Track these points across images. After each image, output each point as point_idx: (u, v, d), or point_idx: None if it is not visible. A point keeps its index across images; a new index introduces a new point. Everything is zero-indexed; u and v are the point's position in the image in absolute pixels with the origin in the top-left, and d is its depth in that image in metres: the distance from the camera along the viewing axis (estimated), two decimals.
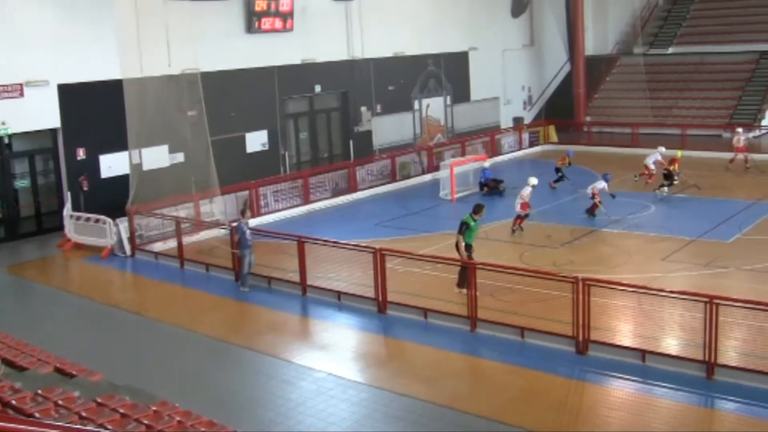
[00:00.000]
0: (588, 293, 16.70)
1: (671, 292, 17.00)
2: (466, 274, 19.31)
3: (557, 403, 14.86)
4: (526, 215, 26.81)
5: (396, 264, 21.07)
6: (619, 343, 17.11)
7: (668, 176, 31.78)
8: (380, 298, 19.77)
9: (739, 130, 37.96)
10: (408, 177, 36.65)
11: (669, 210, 29.75)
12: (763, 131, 45.24)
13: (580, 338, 16.82)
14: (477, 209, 21.28)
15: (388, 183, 35.62)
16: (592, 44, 53.19)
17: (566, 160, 34.06)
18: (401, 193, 34.64)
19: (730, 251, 24.17)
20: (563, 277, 17.99)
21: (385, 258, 19.86)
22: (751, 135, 38.40)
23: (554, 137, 46.00)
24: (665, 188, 31.40)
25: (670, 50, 53.16)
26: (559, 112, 49.20)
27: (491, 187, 33.26)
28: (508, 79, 48.07)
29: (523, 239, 26.02)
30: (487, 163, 34.77)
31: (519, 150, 44.23)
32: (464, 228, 20.79)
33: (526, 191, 26.91)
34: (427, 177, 36.72)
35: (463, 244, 20.70)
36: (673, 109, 48.06)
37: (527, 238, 26.04)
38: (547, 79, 52.41)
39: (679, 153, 33.63)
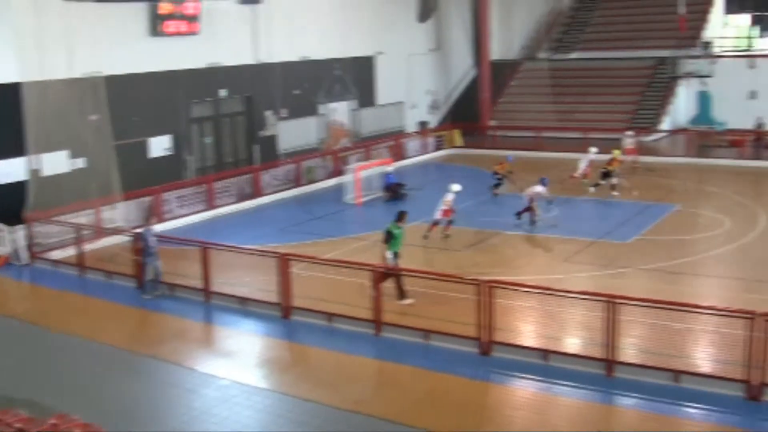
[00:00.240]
0: (491, 295, 16.87)
1: (573, 292, 17.29)
2: (394, 281, 19.56)
3: (461, 405, 14.98)
4: (450, 221, 26.54)
5: (301, 269, 20.95)
6: (522, 343, 17.33)
7: (606, 175, 32.60)
8: (285, 304, 19.65)
9: (629, 133, 38.95)
10: (313, 181, 36.55)
11: (571, 212, 30.24)
12: (662, 135, 46.42)
13: (484, 339, 16.97)
14: (400, 216, 21.04)
15: (293, 187, 35.46)
16: (497, 49, 53.80)
17: (505, 165, 33.91)
18: (306, 198, 34.53)
19: (630, 252, 24.73)
20: (467, 279, 18.14)
21: (290, 263, 19.76)
22: (636, 138, 39.21)
23: (459, 141, 46.40)
24: (592, 188, 32.08)
25: (574, 55, 54.18)
26: (465, 116, 49.66)
27: (394, 191, 33.29)
28: (413, 83, 48.32)
29: (427, 243, 26.14)
30: (390, 168, 34.78)
31: (424, 154, 44.49)
32: (389, 237, 20.54)
33: (449, 197, 26.58)
34: (332, 181, 36.66)
35: (389, 253, 20.40)
36: (575, 113, 48.91)
37: (431, 241, 26.18)
38: (452, 84, 52.90)
39: (617, 152, 34.40)
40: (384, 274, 19.39)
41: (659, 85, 50.05)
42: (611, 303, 15.71)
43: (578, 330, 17.57)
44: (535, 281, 20.14)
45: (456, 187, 26.94)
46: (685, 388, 15.16)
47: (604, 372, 15.82)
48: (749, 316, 14.65)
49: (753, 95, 48.34)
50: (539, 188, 27.98)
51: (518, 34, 57.26)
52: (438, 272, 20.63)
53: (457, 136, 46.59)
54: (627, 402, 15.22)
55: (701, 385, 15.13)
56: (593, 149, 34.69)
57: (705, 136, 44.10)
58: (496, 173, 33.66)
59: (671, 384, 15.29)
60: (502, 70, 53.39)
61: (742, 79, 48.61)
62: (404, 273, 19.68)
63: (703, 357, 16.40)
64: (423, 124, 49.00)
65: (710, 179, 36.10)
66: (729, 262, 23.97)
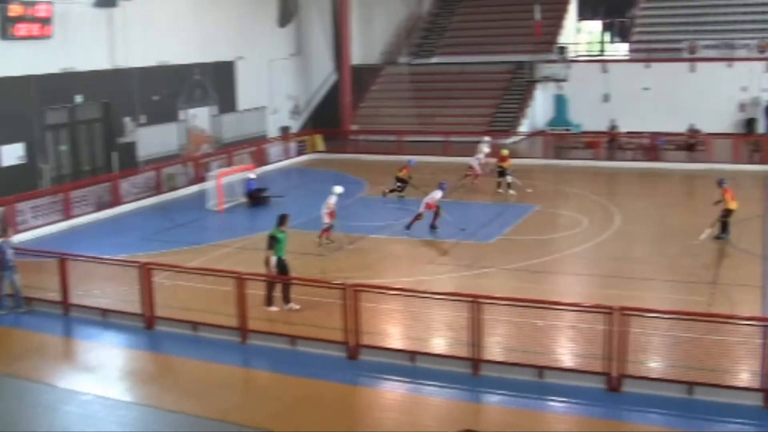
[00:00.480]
0: (357, 299, 16.86)
1: (437, 293, 17.46)
2: (274, 290, 19.40)
3: (330, 409, 14.91)
4: (331, 225, 26.15)
5: (164, 278, 20.49)
6: (389, 346, 17.38)
7: (501, 174, 33.64)
8: (148, 314, 19.16)
9: (486, 138, 39.70)
10: (174, 188, 35.84)
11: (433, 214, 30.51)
12: (521, 137, 47.50)
13: (351, 343, 16.94)
14: (282, 220, 20.43)
15: (154, 195, 34.67)
16: (358, 54, 54.07)
17: (408, 169, 33.74)
18: (168, 205, 33.80)
19: (492, 252, 25.17)
20: (333, 284, 18.09)
21: (152, 272, 19.29)
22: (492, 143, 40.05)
23: (321, 146, 46.34)
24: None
25: (434, 60, 54.99)
26: (326, 120, 49.71)
27: (255, 197, 32.92)
28: (275, 88, 48.05)
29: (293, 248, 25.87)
30: (252, 174, 34.37)
31: (286, 159, 44.22)
32: (273, 242, 19.98)
33: (332, 200, 26.03)
34: (194, 188, 36.04)
35: (274, 258, 19.90)
36: (436, 117, 49.63)
37: (298, 246, 25.96)
38: (314, 89, 52.89)
39: (505, 151, 35.18)
40: (268, 284, 19.34)
41: (517, 88, 51.33)
42: (475, 303, 15.92)
43: (444, 330, 17.73)
44: (400, 284, 20.29)
45: (338, 189, 26.61)
46: (549, 383, 15.51)
47: (470, 371, 16.01)
48: (608, 311, 15.09)
49: (606, 98, 50.17)
50: (439, 194, 27.74)
51: (379, 38, 57.75)
52: (304, 277, 20.51)
53: (319, 141, 46.50)
54: (493, 399, 15.45)
55: (564, 380, 15.50)
56: (484, 146, 35.53)
57: (562, 138, 45.40)
58: (398, 179, 33.46)
59: (536, 380, 15.62)
60: (363, 75, 53.69)
61: (595, 83, 50.48)
62: (273, 279, 19.48)
63: (565, 352, 16.79)
64: (285, 129, 48.79)
65: (568, 180, 37.12)
66: (587, 259, 24.68)
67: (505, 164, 33.83)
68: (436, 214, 27.50)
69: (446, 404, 15.31)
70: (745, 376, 15.34)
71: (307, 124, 51.09)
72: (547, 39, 52.40)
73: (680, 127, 42.25)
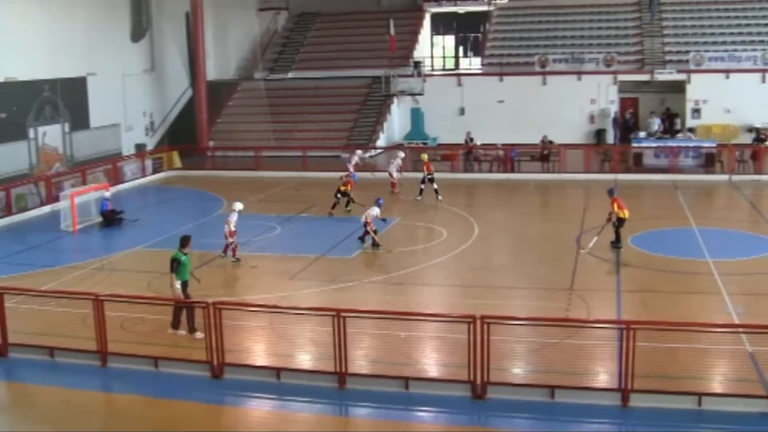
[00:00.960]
0: (219, 317, 16.58)
1: (300, 309, 17.35)
2: (182, 314, 18.71)
3: (196, 431, 14.59)
4: (235, 243, 25.38)
5: (17, 303, 19.68)
6: (254, 363, 17.17)
7: (431, 180, 34.33)
8: (0, 341, 18.36)
9: (358, 152, 39.95)
10: (25, 209, 34.53)
11: (294, 230, 30.45)
12: (379, 151, 47.86)
13: (215, 362, 16.65)
14: (184, 242, 19.67)
15: (4, 216, 33.31)
16: (213, 69, 53.54)
17: (351, 184, 33.13)
18: (19, 227, 32.54)
19: (354, 266, 25.20)
20: (194, 302, 17.76)
21: (3, 297, 18.47)
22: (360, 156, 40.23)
23: (178, 163, 45.50)
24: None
25: (290, 75, 54.91)
26: (183, 137, 48.79)
27: (109, 218, 31.93)
28: (129, 104, 46.89)
29: (152, 267, 25.32)
30: (107, 193, 33.36)
31: (142, 177, 43.23)
32: (176, 264, 19.19)
33: (233, 218, 25.34)
34: (47, 208, 34.82)
35: (178, 282, 19.18)
36: (294, 132, 49.54)
37: (156, 265, 25.37)
38: (169, 105, 51.88)
39: (425, 156, 35.91)
40: (176, 307, 18.75)
41: (374, 103, 51.74)
42: (338, 316, 15.86)
43: (309, 345, 17.64)
44: (262, 300, 20.09)
45: (238, 205, 25.97)
46: (416, 393, 15.59)
47: (336, 385, 15.95)
48: (469, 320, 15.29)
49: (462, 111, 51.15)
50: (375, 210, 27.41)
51: (234, 54, 57.42)
52: (164, 297, 20.06)
53: (175, 158, 45.64)
54: (360, 412, 15.48)
55: (430, 389, 15.62)
56: (359, 152, 35.77)
57: (418, 152, 45.92)
58: (343, 193, 32.75)
59: (402, 391, 15.68)
60: (219, 91, 53.15)
61: (451, 97, 51.42)
62: (161, 302, 18.98)
63: (430, 362, 16.95)
64: (140, 146, 47.67)
65: (426, 192, 37.49)
66: (449, 270, 24.99)
67: (431, 170, 35.27)
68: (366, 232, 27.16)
69: (313, 419, 15.22)
70: (603, 377, 15.81)
71: (163, 141, 50.06)
72: (402, 53, 53.10)
73: (534, 139, 43.39)
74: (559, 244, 26.38)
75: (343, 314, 15.92)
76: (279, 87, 53.57)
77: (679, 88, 50.38)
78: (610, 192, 26.43)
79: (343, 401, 15.70)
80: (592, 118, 50.99)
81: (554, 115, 49.05)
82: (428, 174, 35.16)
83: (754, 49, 50.07)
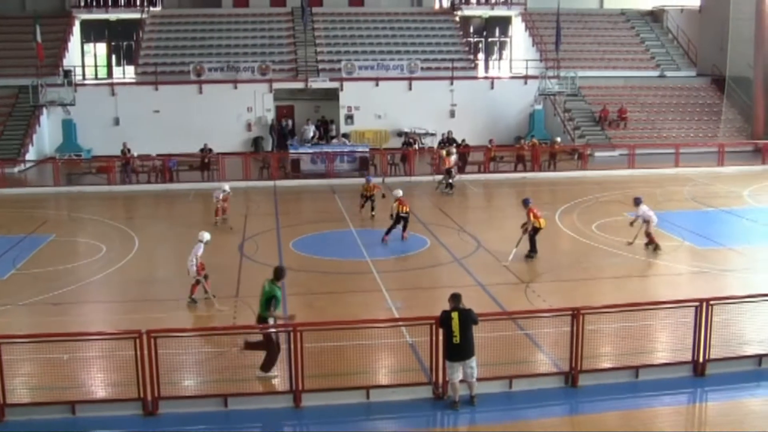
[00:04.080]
0: None
1: None
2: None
3: None
4: (206, 277, 21.75)
5: None
6: None
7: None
8: None
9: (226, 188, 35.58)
10: None
11: None
12: (29, 164, 45.45)
13: None
14: (280, 274, 17.00)
15: None
16: None
17: (378, 187, 32.31)
18: None
19: (7, 287, 23.55)
20: None
21: None
22: None
23: None
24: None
25: None
26: None
27: None
28: None
29: None
30: None
31: None
32: (273, 302, 16.44)
33: (200, 250, 21.80)
34: None
35: (271, 319, 16.55)
36: None
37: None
38: None
39: (444, 152, 39.02)
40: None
41: (22, 114, 49.03)
42: None
43: None
44: None
45: (206, 236, 22.38)
46: (83, 417, 14.87)
47: None
48: (135, 335, 14.83)
49: (117, 122, 49.83)
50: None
51: None
52: None
53: None
54: None
55: (99, 411, 15.02)
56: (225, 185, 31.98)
57: (72, 164, 44.21)
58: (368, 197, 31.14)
59: (69, 416, 14.87)
60: None
61: (105, 107, 50.07)
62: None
63: (99, 383, 16.22)
64: None
65: (82, 207, 36.08)
66: (111, 285, 24.09)
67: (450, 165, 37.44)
68: None
69: None
70: (276, 381, 16.16)
71: None
72: (51, 62, 50.72)
73: (194, 148, 43.15)
74: (222, 253, 26.27)
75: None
76: None
77: (332, 95, 52.36)
78: (525, 202, 25.98)
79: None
80: (249, 126, 51.62)
81: (212, 123, 49.28)
82: (449, 168, 37.21)
83: (401, 59, 53.15)
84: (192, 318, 20.66)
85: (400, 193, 27.70)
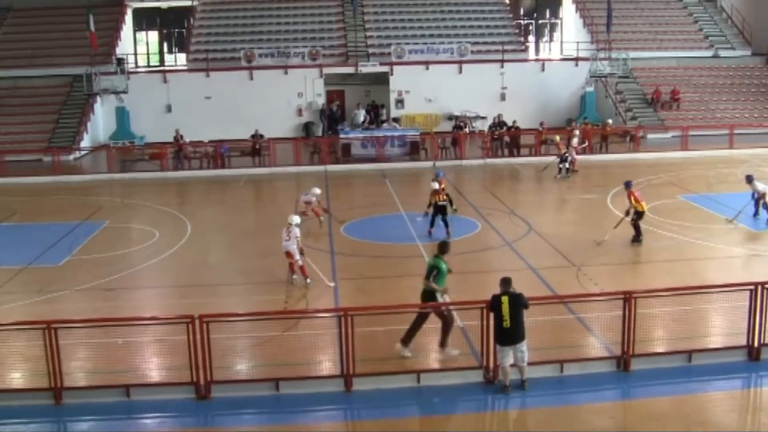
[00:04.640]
0: None
1: (7, 324, 16.22)
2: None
3: None
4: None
5: None
6: None
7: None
8: None
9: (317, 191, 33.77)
10: None
11: None
12: (84, 152, 46.05)
13: None
14: (444, 248, 17.40)
15: None
16: None
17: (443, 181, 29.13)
18: None
19: (63, 274, 23.96)
20: None
21: None
22: None
23: None
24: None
25: None
26: None
27: None
28: None
29: None
30: None
31: None
32: (436, 272, 16.71)
33: (297, 232, 21.82)
34: None
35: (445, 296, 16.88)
36: None
37: None
38: None
39: (557, 137, 39.17)
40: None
41: (76, 102, 49.64)
42: (49, 329, 14.97)
43: (19, 363, 16.55)
44: None
45: (296, 218, 22.40)
46: (137, 400, 15.13)
47: (52, 402, 15.10)
48: (188, 320, 15.00)
49: (169, 109, 50.20)
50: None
51: None
52: None
53: None
54: (81, 427, 14.81)
55: (153, 395, 15.21)
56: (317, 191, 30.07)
57: (126, 151, 44.73)
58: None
59: (124, 399, 15.15)
60: None
61: (157, 94, 50.39)
62: None
63: (152, 367, 16.44)
64: None
65: (135, 193, 36.53)
66: (164, 271, 24.39)
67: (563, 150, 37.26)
68: None
69: None
70: (327, 365, 16.11)
71: None
72: (104, 50, 51.31)
73: (245, 134, 43.44)
74: (274, 238, 26.39)
75: (53, 326, 15.10)
76: None
77: (383, 79, 52.28)
78: (627, 184, 25.40)
79: (60, 418, 14.89)
80: (300, 111, 51.76)
81: (263, 109, 49.42)
82: (563, 154, 36.90)
83: (451, 42, 52.85)
84: (245, 302, 20.79)
85: (435, 185, 27.18)
